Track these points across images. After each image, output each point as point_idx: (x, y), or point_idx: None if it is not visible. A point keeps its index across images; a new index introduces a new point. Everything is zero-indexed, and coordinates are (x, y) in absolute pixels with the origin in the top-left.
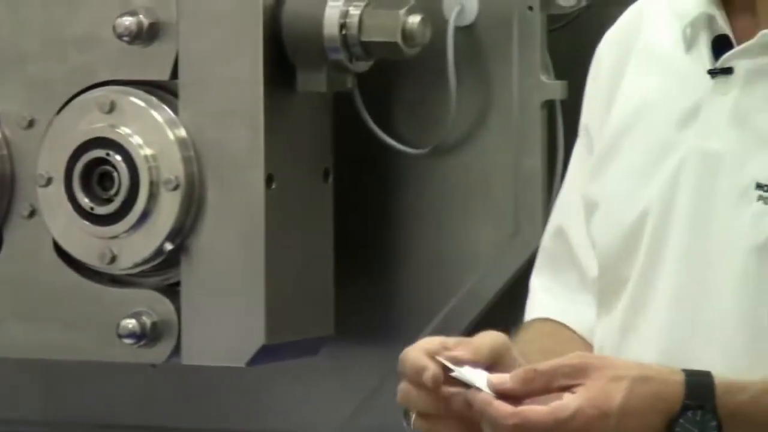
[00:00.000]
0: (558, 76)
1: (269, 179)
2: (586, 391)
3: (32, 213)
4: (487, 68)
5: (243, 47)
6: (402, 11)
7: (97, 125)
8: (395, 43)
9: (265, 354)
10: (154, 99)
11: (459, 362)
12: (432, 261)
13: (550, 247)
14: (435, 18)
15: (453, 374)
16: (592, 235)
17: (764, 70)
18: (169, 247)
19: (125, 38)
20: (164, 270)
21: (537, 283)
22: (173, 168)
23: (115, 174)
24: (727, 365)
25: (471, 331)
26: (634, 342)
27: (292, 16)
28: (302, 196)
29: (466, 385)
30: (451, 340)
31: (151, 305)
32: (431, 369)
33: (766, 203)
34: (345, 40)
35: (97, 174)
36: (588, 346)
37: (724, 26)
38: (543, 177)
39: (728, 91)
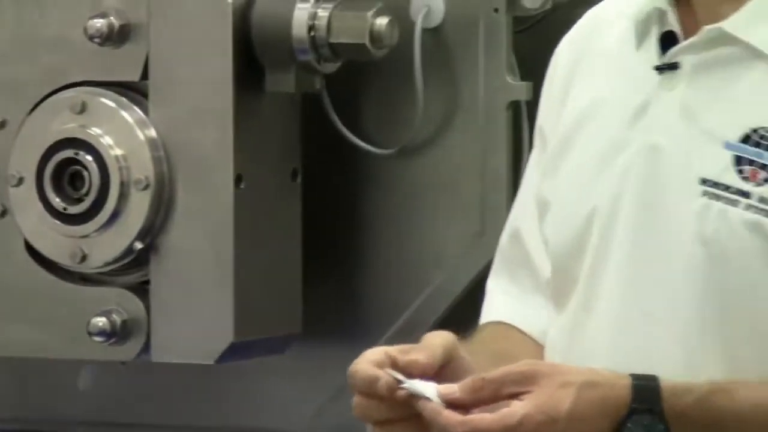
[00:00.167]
0: (523, 77)
1: (238, 179)
2: (534, 397)
3: (3, 212)
4: (453, 69)
5: (212, 48)
6: (370, 13)
7: (68, 126)
8: (363, 45)
9: (233, 351)
10: (124, 100)
11: (416, 366)
12: (399, 260)
13: (506, 249)
14: (402, 20)
15: (403, 386)
16: (544, 235)
17: (709, 64)
18: (139, 246)
19: (96, 40)
20: (134, 269)
21: (492, 285)
22: (143, 168)
23: (85, 174)
24: (679, 361)
25: (438, 327)
26: (584, 341)
27: (261, 18)
28: (271, 195)
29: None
30: (395, 349)
31: (121, 303)
32: (383, 378)
33: (710, 198)
34: (313, 41)
35: (68, 174)
36: (540, 348)
37: (673, 22)
38: (508, 177)
39: (675, 86)
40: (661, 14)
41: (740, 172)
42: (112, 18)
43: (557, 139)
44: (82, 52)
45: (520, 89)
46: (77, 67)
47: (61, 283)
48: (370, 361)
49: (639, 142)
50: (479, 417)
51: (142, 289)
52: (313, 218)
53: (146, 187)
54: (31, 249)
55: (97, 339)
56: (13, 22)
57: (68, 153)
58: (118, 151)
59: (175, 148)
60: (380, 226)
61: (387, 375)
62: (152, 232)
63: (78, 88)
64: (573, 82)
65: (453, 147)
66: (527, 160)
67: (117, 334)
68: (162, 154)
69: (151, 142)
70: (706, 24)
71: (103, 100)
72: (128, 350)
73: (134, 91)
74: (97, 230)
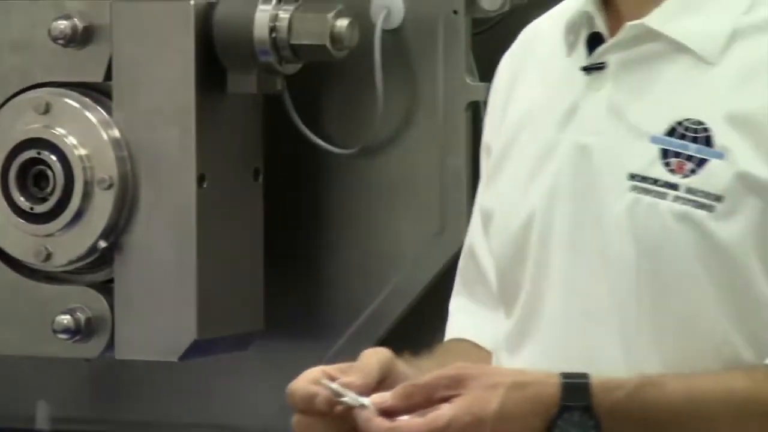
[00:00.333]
0: (482, 78)
1: (201, 178)
2: (462, 399)
3: None
4: (413, 70)
5: (175, 50)
6: (330, 15)
7: (32, 126)
8: (324, 46)
9: (196, 348)
10: (88, 100)
11: (352, 388)
12: (360, 258)
13: (463, 267)
14: (362, 21)
15: (341, 399)
16: (489, 246)
17: (633, 62)
18: (103, 244)
19: (60, 41)
20: (98, 267)
21: (453, 304)
22: (107, 168)
23: (50, 173)
24: (619, 358)
25: (399, 325)
26: (530, 345)
27: (222, 20)
28: (233, 195)
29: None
30: (333, 368)
31: (86, 301)
32: (322, 394)
33: (640, 193)
34: (275, 43)
35: (33, 173)
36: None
37: (599, 23)
38: (468, 176)
39: (602, 86)
40: (589, 18)
41: (667, 164)
42: (75, 20)
43: (497, 150)
44: (46, 53)
45: (478, 90)
46: (41, 67)
47: (25, 281)
48: (309, 380)
49: (569, 143)
50: (406, 422)
51: (106, 288)
52: (275, 217)
53: (110, 187)
54: None
55: (62, 336)
56: None
57: (32, 153)
58: (82, 151)
59: (138, 148)
60: (341, 225)
61: (325, 388)
62: (116, 231)
63: (42, 89)
64: (512, 95)
65: (413, 147)
66: None
67: (81, 331)
68: (125, 154)
69: (115, 142)
70: (631, 21)
71: (67, 100)
72: (93, 348)
73: (98, 92)
74: (62, 229)
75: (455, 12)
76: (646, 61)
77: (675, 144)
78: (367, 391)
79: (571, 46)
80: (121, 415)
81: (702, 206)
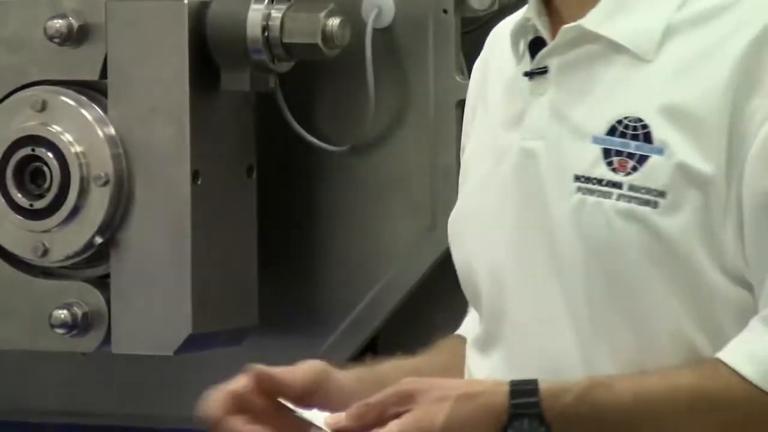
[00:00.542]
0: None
1: (195, 175)
2: (410, 415)
3: None
4: (404, 69)
5: (169, 48)
6: (322, 14)
7: (29, 123)
8: (316, 45)
9: (191, 343)
10: (84, 98)
11: (280, 391)
12: (352, 254)
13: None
14: (354, 20)
15: (296, 415)
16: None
17: (572, 64)
18: (99, 240)
19: (56, 40)
20: (95, 262)
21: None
22: (103, 164)
23: (46, 170)
24: (576, 359)
25: (391, 320)
26: (497, 350)
27: (216, 18)
28: (227, 191)
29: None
30: (262, 372)
31: (82, 296)
32: (220, 393)
33: (585, 193)
34: (267, 41)
35: (30, 170)
36: None
37: (540, 28)
38: (458, 173)
39: (545, 90)
40: (531, 23)
41: (609, 164)
42: (71, 19)
43: (466, 154)
44: (42, 51)
45: (468, 88)
46: (37, 66)
47: (22, 276)
48: (217, 403)
49: (516, 148)
50: None
51: (102, 283)
52: (269, 213)
53: (106, 183)
54: None
55: (59, 331)
56: None
57: (29, 150)
58: (78, 148)
59: (133, 145)
60: (334, 221)
61: (283, 406)
62: (112, 226)
63: (38, 87)
64: (479, 100)
65: (404, 144)
66: None
67: (78, 326)
68: (121, 151)
69: (110, 140)
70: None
71: (63, 98)
72: (89, 342)
73: (93, 90)
74: (58, 225)
75: (445, 11)
76: (585, 62)
77: (616, 143)
78: (291, 395)
79: (517, 52)
80: (116, 408)
81: (646, 203)
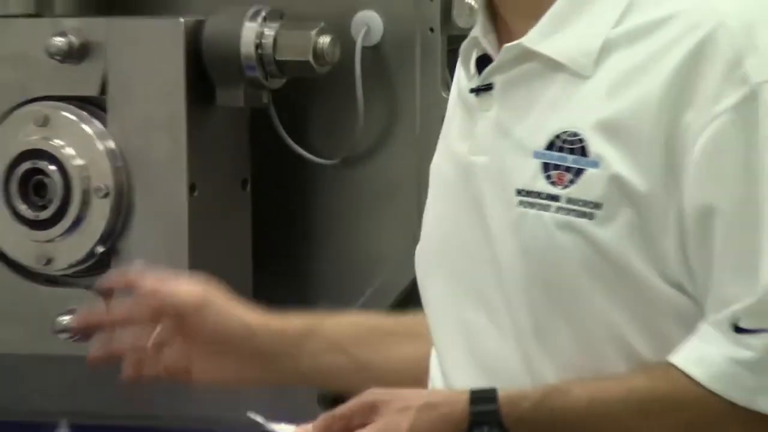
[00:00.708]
0: None
1: (192, 188)
2: (375, 425)
3: None
4: (392, 85)
5: (166, 65)
6: (313, 32)
7: (32, 138)
8: (307, 62)
9: None
10: (84, 113)
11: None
12: (343, 262)
13: None
14: (344, 38)
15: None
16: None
17: (515, 81)
18: (100, 249)
19: (57, 57)
20: (96, 270)
21: None
22: (103, 177)
23: (49, 183)
24: (519, 368)
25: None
26: (450, 356)
27: (211, 37)
28: (222, 203)
29: None
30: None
31: (84, 303)
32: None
33: (526, 207)
34: (261, 58)
35: (33, 183)
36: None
37: (486, 46)
38: None
39: (490, 106)
40: (479, 42)
41: (548, 177)
42: (71, 37)
43: (431, 168)
44: (44, 68)
45: None
46: (39, 82)
47: (27, 284)
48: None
49: (465, 163)
50: None
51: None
52: (262, 224)
53: (106, 195)
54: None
55: (62, 336)
56: None
57: (32, 163)
58: (80, 162)
59: (132, 159)
60: (325, 231)
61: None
62: (113, 236)
63: (41, 103)
64: (449, 114)
65: (392, 157)
66: None
67: (81, 331)
68: (120, 164)
69: (110, 153)
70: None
71: (65, 113)
72: (91, 346)
73: (94, 105)
74: (61, 235)
75: (431, 30)
76: (527, 80)
77: (554, 157)
78: (173, 318)
79: (468, 69)
80: (119, 409)
81: (582, 215)
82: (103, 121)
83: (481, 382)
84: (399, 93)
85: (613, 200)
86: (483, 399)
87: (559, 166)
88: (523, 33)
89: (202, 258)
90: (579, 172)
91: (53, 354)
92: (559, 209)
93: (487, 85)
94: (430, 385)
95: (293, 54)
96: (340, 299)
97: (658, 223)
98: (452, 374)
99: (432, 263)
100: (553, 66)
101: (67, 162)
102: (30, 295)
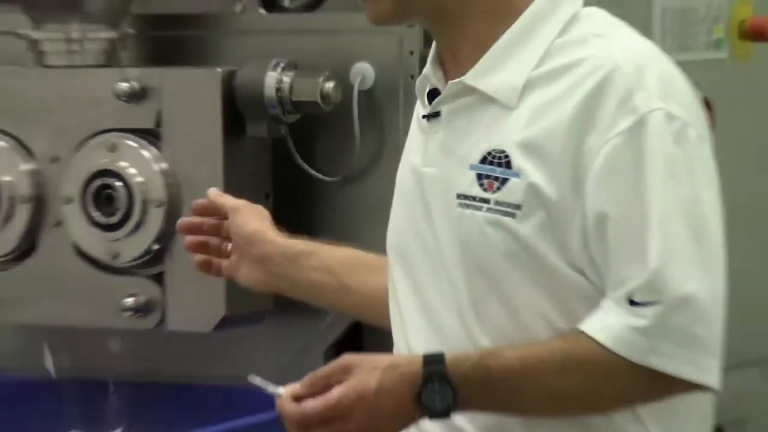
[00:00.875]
0: None
1: None
2: (348, 382)
3: (58, 223)
4: (381, 120)
5: (207, 105)
6: (320, 79)
7: (103, 161)
8: (316, 102)
9: (225, 323)
10: (144, 141)
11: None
12: None
13: None
14: (344, 84)
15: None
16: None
17: (458, 110)
18: (156, 247)
19: (122, 98)
20: (153, 263)
21: None
22: (158, 191)
23: (116, 195)
24: (462, 335)
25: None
26: (402, 326)
27: (242, 83)
28: None
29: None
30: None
31: (144, 289)
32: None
33: (464, 208)
34: (280, 99)
35: (104, 195)
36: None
37: (434, 81)
38: None
39: (438, 129)
40: (429, 78)
41: (481, 185)
42: (133, 82)
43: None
44: (113, 107)
45: None
46: (109, 118)
47: (99, 273)
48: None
49: (419, 173)
50: (306, 403)
51: (158, 278)
52: (280, 228)
53: (160, 205)
54: (77, 249)
55: (126, 314)
56: (64, 85)
57: (104, 180)
58: (140, 179)
59: (181, 177)
60: (329, 235)
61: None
62: (165, 237)
63: (110, 134)
64: (409, 136)
65: (382, 176)
66: None
67: (141, 310)
68: (171, 180)
69: (164, 173)
70: (455, 79)
71: (128, 142)
72: (149, 322)
73: (151, 135)
74: (126, 236)
75: (412, 77)
76: (467, 109)
77: (486, 169)
78: (206, 213)
79: (422, 99)
80: (168, 369)
81: (507, 214)
82: (159, 148)
83: (434, 347)
84: (386, 126)
85: (530, 203)
86: (433, 361)
87: (490, 176)
88: (462, 71)
89: None
90: (504, 181)
91: (117, 327)
92: (489, 209)
93: (436, 112)
94: (395, 351)
95: (305, 96)
96: None
97: (566, 223)
98: (413, 341)
99: (394, 251)
100: (487, 99)
101: (130, 179)
102: (102, 282)
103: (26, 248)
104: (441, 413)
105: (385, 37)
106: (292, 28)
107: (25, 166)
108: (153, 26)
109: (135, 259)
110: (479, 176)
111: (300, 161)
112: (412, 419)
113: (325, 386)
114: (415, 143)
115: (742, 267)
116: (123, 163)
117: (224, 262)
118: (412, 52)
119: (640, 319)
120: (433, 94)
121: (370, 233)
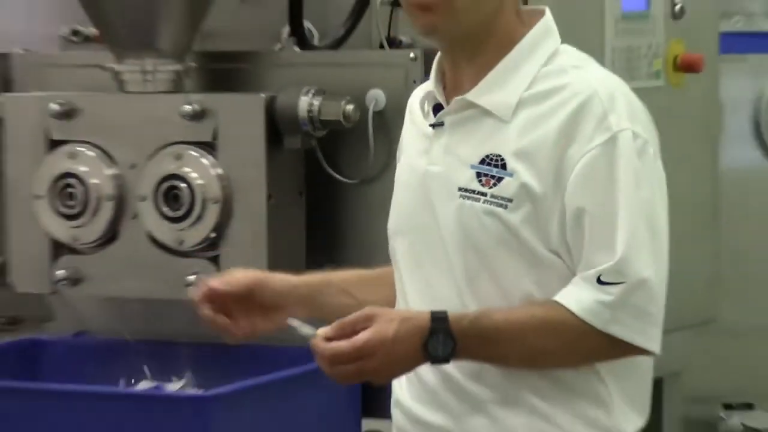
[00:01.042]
0: None
1: (269, 196)
2: (371, 329)
3: (135, 216)
4: (390, 134)
5: (253, 123)
6: (342, 102)
7: (171, 167)
8: (339, 121)
9: None
10: (203, 151)
11: (216, 294)
12: (359, 254)
13: None
14: (361, 106)
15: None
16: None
17: (459, 122)
18: (213, 235)
19: (186, 118)
20: (211, 248)
21: None
22: (215, 192)
23: (181, 194)
24: (457, 303)
25: None
26: (407, 297)
27: (280, 106)
28: (288, 206)
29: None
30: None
31: (203, 268)
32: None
33: (464, 199)
34: (311, 119)
35: (172, 195)
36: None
37: (438, 97)
38: None
39: (442, 136)
40: (434, 94)
41: (480, 181)
42: (195, 105)
43: (396, 172)
44: (178, 125)
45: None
46: (176, 133)
47: (170, 256)
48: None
49: (423, 170)
50: (340, 343)
51: (215, 260)
52: (311, 221)
53: (216, 202)
54: (151, 237)
55: (189, 288)
56: (140, 107)
57: (171, 182)
58: (201, 182)
59: (233, 180)
60: (349, 227)
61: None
62: (221, 227)
63: (176, 146)
64: (403, 137)
65: (391, 179)
66: None
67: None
68: (226, 183)
69: (220, 177)
70: (457, 96)
71: (191, 152)
72: None
73: (209, 147)
74: (189, 226)
75: None
76: (468, 121)
77: (485, 169)
78: (229, 299)
79: (424, 112)
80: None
81: (500, 205)
82: (215, 157)
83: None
84: (394, 140)
85: (520, 198)
86: (439, 317)
87: (488, 174)
88: (464, 89)
89: (274, 242)
90: (500, 179)
91: (182, 299)
92: (485, 201)
93: (440, 122)
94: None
95: (330, 116)
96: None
97: (547, 215)
98: (413, 306)
99: (397, 235)
100: (485, 113)
101: (192, 182)
102: (170, 263)
103: (110, 236)
104: (442, 359)
105: (394, 70)
106: (320, 62)
107: (109, 171)
108: (211, 60)
109: (196, 245)
110: (478, 174)
111: (327, 167)
112: (417, 363)
113: (352, 331)
114: (416, 147)
115: (679, 252)
116: (187, 169)
117: (243, 326)
118: (415, 81)
119: (607, 295)
120: (436, 108)
121: (381, 224)
